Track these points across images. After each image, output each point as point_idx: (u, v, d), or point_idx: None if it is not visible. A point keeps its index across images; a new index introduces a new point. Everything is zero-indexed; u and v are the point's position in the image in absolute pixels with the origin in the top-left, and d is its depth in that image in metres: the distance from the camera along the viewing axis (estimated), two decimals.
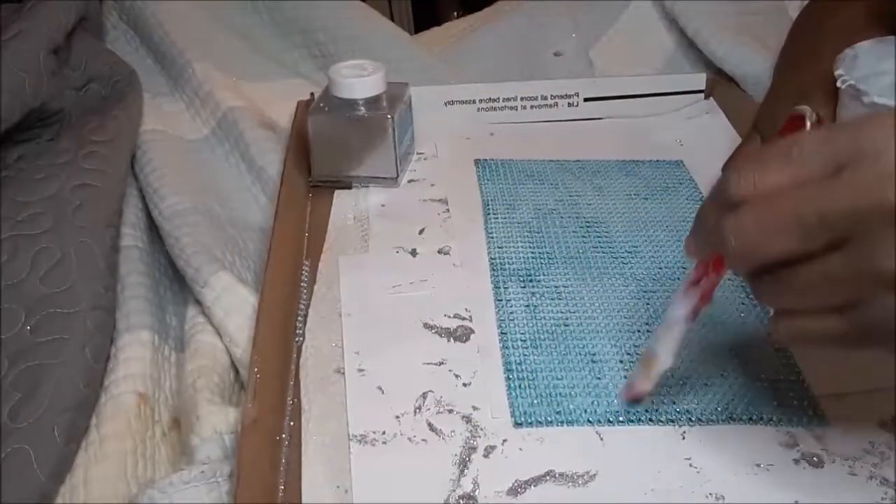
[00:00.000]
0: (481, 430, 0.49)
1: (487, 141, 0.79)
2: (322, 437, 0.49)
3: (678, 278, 0.60)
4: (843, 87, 0.56)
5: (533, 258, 0.62)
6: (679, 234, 0.64)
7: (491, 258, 0.62)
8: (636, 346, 0.54)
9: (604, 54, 0.91)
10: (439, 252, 0.64)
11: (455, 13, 1.40)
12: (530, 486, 0.46)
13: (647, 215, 0.67)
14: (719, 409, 0.50)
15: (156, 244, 0.67)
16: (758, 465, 0.46)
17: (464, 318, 0.57)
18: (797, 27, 0.75)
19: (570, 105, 0.81)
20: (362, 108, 0.69)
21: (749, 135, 0.66)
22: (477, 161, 0.75)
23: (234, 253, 0.65)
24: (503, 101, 0.81)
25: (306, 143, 0.71)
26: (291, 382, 0.53)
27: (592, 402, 0.50)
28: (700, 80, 0.81)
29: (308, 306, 0.59)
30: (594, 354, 0.54)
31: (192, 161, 0.75)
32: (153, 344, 0.58)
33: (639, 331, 0.55)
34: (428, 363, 0.54)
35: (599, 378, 0.52)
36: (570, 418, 0.49)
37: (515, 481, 0.46)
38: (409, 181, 0.72)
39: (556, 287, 0.59)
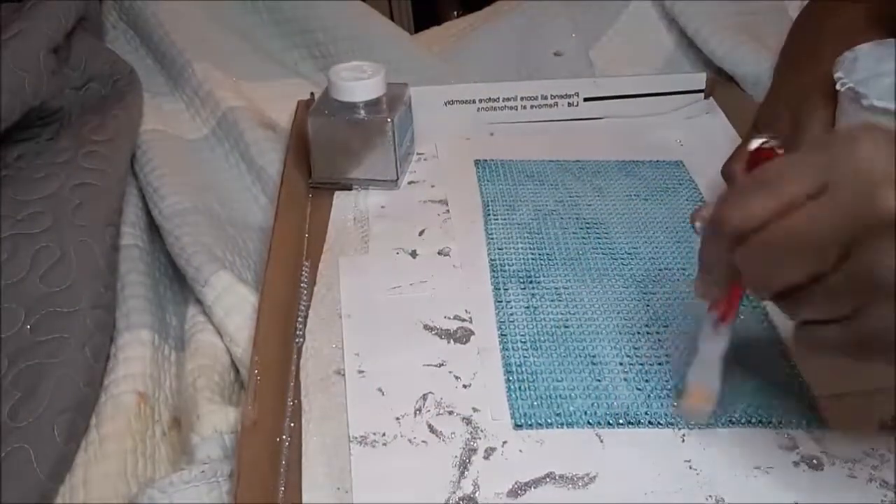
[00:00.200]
0: (481, 431, 0.49)
1: (487, 141, 0.79)
2: (322, 439, 0.49)
3: (678, 279, 0.60)
4: (843, 90, 0.56)
5: (533, 259, 0.62)
6: (679, 234, 0.64)
7: (491, 259, 0.62)
8: (636, 348, 0.54)
9: (604, 54, 0.91)
10: (439, 253, 0.64)
11: (455, 13, 1.40)
12: (530, 487, 0.46)
13: (646, 216, 0.67)
14: (719, 411, 0.50)
15: (156, 243, 0.67)
16: (757, 468, 0.46)
17: (464, 320, 0.57)
18: (797, 28, 0.75)
19: (569, 105, 0.81)
20: (362, 111, 0.69)
21: (748, 135, 0.66)
22: (477, 161, 0.75)
23: (234, 253, 0.65)
24: (503, 100, 0.81)
25: (306, 143, 0.71)
26: (292, 383, 0.53)
27: (592, 404, 0.50)
28: (700, 79, 0.81)
29: (308, 307, 0.59)
30: (594, 356, 0.54)
31: (192, 161, 0.75)
32: (153, 343, 0.58)
33: (639, 332, 0.55)
34: (428, 365, 0.54)
35: (599, 380, 0.52)
36: (570, 420, 0.49)
37: (515, 483, 0.46)
38: (409, 182, 0.72)
39: (556, 288, 0.59)
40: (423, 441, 0.49)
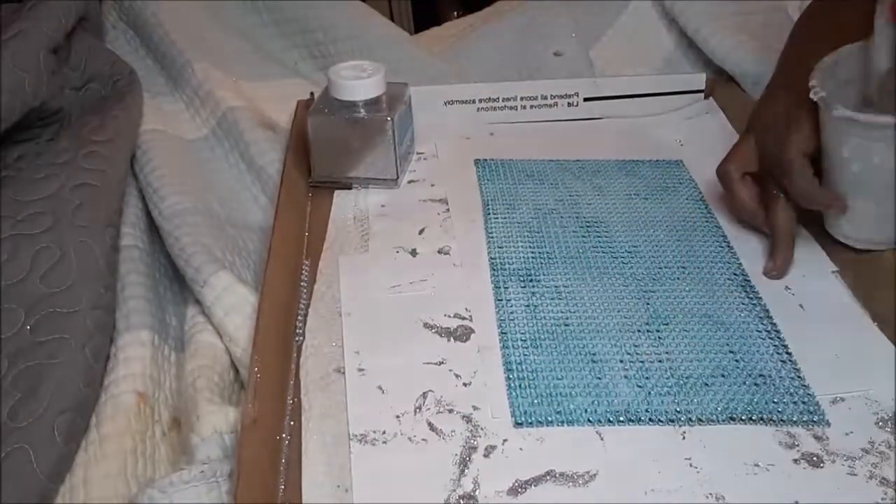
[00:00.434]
0: (482, 429, 0.49)
1: (487, 141, 0.79)
2: (322, 437, 0.49)
3: (678, 278, 0.60)
4: (815, 98, 0.56)
5: (533, 258, 0.62)
6: (679, 234, 0.64)
7: (491, 258, 0.62)
8: (636, 346, 0.54)
9: (604, 54, 0.91)
10: (439, 252, 0.64)
11: (455, 13, 1.40)
12: (531, 485, 0.46)
13: (646, 215, 0.67)
14: (719, 409, 0.50)
15: (156, 244, 0.67)
16: (757, 465, 0.46)
17: (464, 318, 0.57)
18: (797, 28, 0.74)
19: (569, 105, 0.81)
20: (362, 110, 0.69)
21: (744, 135, 0.66)
22: (477, 161, 0.75)
23: (234, 253, 0.65)
24: (503, 100, 0.81)
25: (306, 143, 0.71)
26: (291, 382, 0.53)
27: (593, 402, 0.50)
28: (700, 80, 0.81)
29: (308, 306, 0.59)
30: (594, 354, 0.54)
31: (192, 161, 0.75)
32: (153, 343, 0.58)
33: (639, 331, 0.55)
34: (428, 363, 0.54)
35: (600, 378, 0.52)
36: (570, 418, 0.49)
37: (516, 481, 0.46)
38: (409, 181, 0.72)
39: (556, 287, 0.59)
40: (424, 439, 0.48)
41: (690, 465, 0.47)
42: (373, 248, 0.64)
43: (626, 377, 0.52)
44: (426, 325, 0.56)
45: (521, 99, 0.81)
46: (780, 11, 0.89)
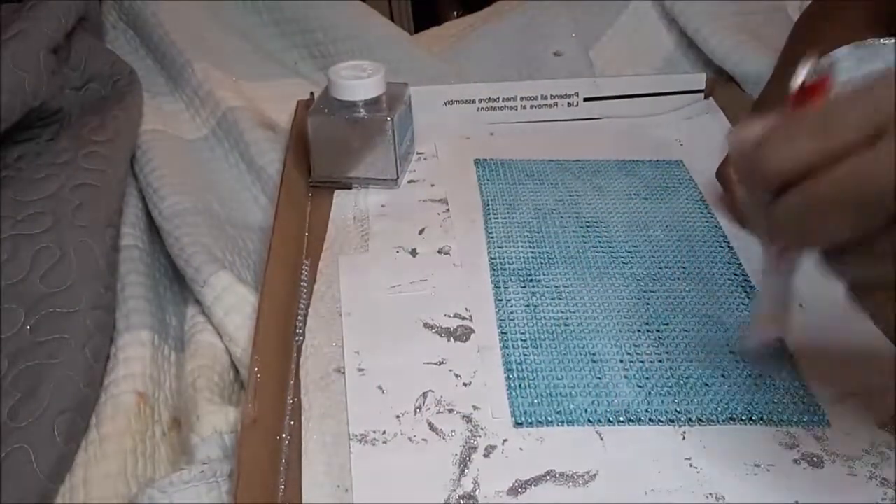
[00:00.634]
0: (482, 429, 0.49)
1: (487, 141, 0.79)
2: (322, 437, 0.49)
3: (678, 278, 0.60)
4: None
5: (533, 258, 0.62)
6: (679, 233, 0.64)
7: (491, 258, 0.62)
8: (636, 346, 0.54)
9: (604, 54, 0.91)
10: (439, 252, 0.64)
11: (455, 13, 1.40)
12: (531, 485, 0.46)
13: (647, 215, 0.67)
14: (719, 409, 0.50)
15: (156, 244, 0.67)
16: (758, 466, 0.46)
17: (464, 318, 0.57)
18: (796, 29, 0.75)
19: (569, 105, 0.81)
20: (362, 110, 0.69)
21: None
22: (477, 161, 0.75)
23: (234, 253, 0.65)
24: (503, 100, 0.81)
25: (306, 143, 0.71)
26: (291, 382, 0.53)
27: (593, 402, 0.50)
28: (700, 80, 0.81)
29: (308, 306, 0.59)
30: (594, 354, 0.54)
31: (192, 161, 0.75)
32: (153, 344, 0.58)
33: (639, 331, 0.55)
34: (428, 363, 0.54)
35: (600, 378, 0.52)
36: (570, 418, 0.49)
37: (516, 481, 0.46)
38: (409, 181, 0.72)
39: (556, 287, 0.59)
40: (424, 439, 0.48)
41: (690, 465, 0.47)
42: (373, 248, 0.64)
43: (626, 377, 0.52)
44: (426, 325, 0.56)
45: (521, 99, 0.81)
46: (780, 11, 0.90)
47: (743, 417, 0.49)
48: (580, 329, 0.56)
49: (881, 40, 0.58)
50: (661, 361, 0.53)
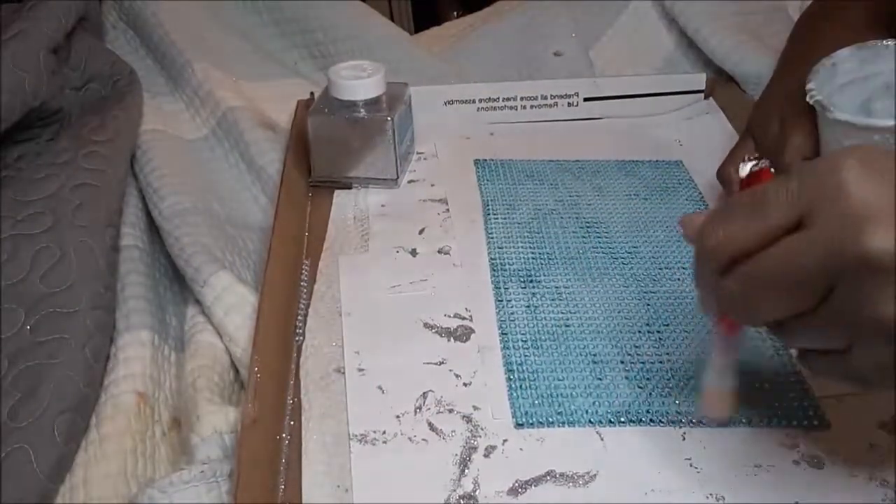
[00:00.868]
0: (482, 429, 0.49)
1: (487, 141, 0.79)
2: (322, 437, 0.49)
3: (678, 279, 0.60)
4: (811, 101, 0.56)
5: (533, 258, 0.62)
6: (679, 234, 0.64)
7: (491, 258, 0.62)
8: (637, 347, 0.54)
9: (604, 54, 0.91)
10: (439, 252, 0.64)
11: (455, 13, 1.40)
12: (531, 486, 0.46)
13: (646, 215, 0.67)
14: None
15: (156, 244, 0.67)
16: (758, 466, 0.46)
17: (464, 318, 0.57)
18: (797, 29, 0.74)
19: (570, 105, 0.81)
20: (362, 110, 0.69)
21: (743, 137, 0.66)
22: (477, 161, 0.75)
23: (234, 253, 0.65)
24: (503, 100, 0.81)
25: (306, 143, 0.71)
26: (291, 382, 0.53)
27: (593, 403, 0.50)
28: (700, 80, 0.81)
29: (308, 306, 0.59)
30: (595, 355, 0.54)
31: (192, 161, 0.75)
32: (153, 343, 0.58)
33: (639, 331, 0.55)
34: (428, 363, 0.54)
35: (600, 379, 0.52)
36: (570, 419, 0.49)
37: (516, 481, 0.46)
38: (409, 181, 0.72)
39: (556, 287, 0.59)
40: (424, 439, 0.48)
41: (691, 466, 0.47)
42: (373, 248, 0.64)
43: (626, 378, 0.52)
44: (426, 325, 0.56)
45: (521, 99, 0.81)
46: (780, 11, 0.89)
47: (743, 418, 0.49)
48: (581, 330, 0.56)
49: (883, 42, 0.58)
50: (661, 362, 0.53)
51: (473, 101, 0.81)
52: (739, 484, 0.45)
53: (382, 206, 0.69)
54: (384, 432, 0.49)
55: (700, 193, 0.69)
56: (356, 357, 0.54)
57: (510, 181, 0.72)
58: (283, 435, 0.50)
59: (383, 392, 0.52)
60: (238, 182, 0.75)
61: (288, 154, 0.72)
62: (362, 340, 0.55)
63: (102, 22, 0.88)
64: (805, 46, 0.68)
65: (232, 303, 0.59)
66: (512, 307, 0.58)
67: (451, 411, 0.50)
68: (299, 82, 0.87)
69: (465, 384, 0.52)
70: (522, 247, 0.64)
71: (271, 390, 0.51)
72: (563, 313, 0.57)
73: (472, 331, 0.56)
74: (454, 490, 0.45)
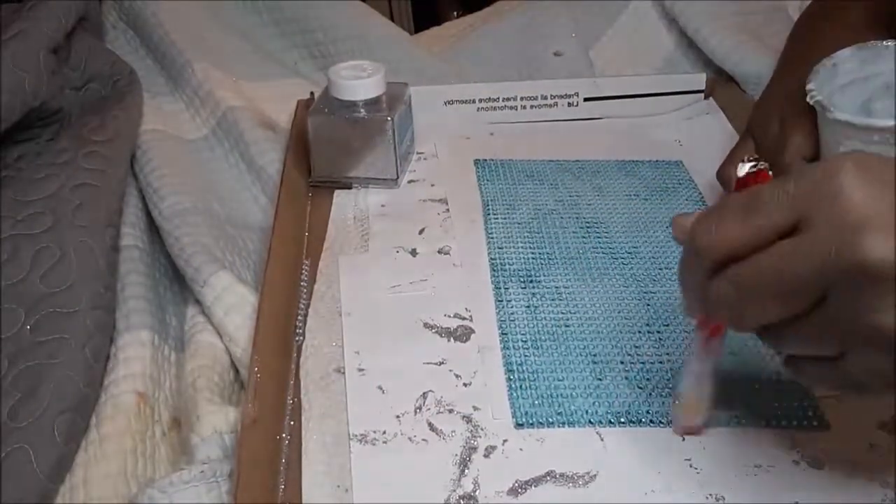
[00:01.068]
0: (482, 430, 0.49)
1: (487, 141, 0.79)
2: (322, 437, 0.49)
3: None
4: (811, 102, 0.56)
5: (533, 258, 0.62)
6: None
7: (491, 258, 0.62)
8: (637, 347, 0.54)
9: (604, 54, 0.91)
10: (439, 252, 0.64)
11: (455, 13, 1.40)
12: (531, 486, 0.46)
13: (646, 215, 0.67)
14: (719, 410, 0.49)
15: (156, 244, 0.67)
16: (758, 466, 0.46)
17: (464, 318, 0.57)
18: (797, 29, 0.74)
19: (570, 105, 0.81)
20: (362, 110, 0.69)
21: (743, 137, 0.66)
22: (477, 161, 0.75)
23: (234, 253, 0.65)
24: (503, 100, 0.81)
25: (306, 143, 0.71)
26: (291, 382, 0.53)
27: (593, 403, 0.50)
28: (700, 80, 0.81)
29: (308, 306, 0.59)
30: (595, 355, 0.54)
31: (192, 161, 0.75)
32: (153, 343, 0.58)
33: (639, 332, 0.55)
34: (428, 363, 0.54)
35: (600, 379, 0.52)
36: (570, 419, 0.49)
37: (516, 482, 0.46)
38: (409, 181, 0.72)
39: (556, 287, 0.59)
40: (424, 439, 0.48)
41: (691, 466, 0.47)
42: (373, 248, 0.64)
43: (626, 378, 0.52)
44: (426, 325, 0.56)
45: (521, 99, 0.81)
46: (780, 11, 0.89)
47: (743, 419, 0.49)
48: (581, 330, 0.56)
49: (884, 42, 0.58)
50: (661, 362, 0.53)
51: (473, 101, 0.81)
52: (739, 484, 0.45)
53: (382, 206, 0.69)
54: (384, 432, 0.49)
55: (700, 193, 0.69)
56: (356, 357, 0.54)
57: (510, 181, 0.72)
58: (283, 435, 0.50)
59: (383, 392, 0.52)
60: (238, 182, 0.75)
61: (288, 154, 0.72)
62: (362, 340, 0.55)
63: (102, 22, 0.88)
64: (805, 46, 0.68)
65: (232, 303, 0.59)
66: (512, 307, 0.58)
67: (451, 411, 0.50)
68: (299, 82, 0.87)
69: (465, 384, 0.52)
70: (522, 247, 0.64)
71: (271, 390, 0.51)
72: (563, 313, 0.57)
73: (472, 331, 0.56)
74: (454, 490, 0.45)
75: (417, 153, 0.76)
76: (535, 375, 0.52)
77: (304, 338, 0.56)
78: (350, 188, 0.71)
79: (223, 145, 0.77)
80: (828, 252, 0.33)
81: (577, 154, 0.76)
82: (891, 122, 0.53)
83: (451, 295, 0.59)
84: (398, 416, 0.50)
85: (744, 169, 0.45)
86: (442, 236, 0.65)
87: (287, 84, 0.86)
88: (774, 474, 0.46)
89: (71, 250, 0.59)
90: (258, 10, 0.92)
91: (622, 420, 0.49)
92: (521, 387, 0.51)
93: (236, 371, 0.57)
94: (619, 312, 0.57)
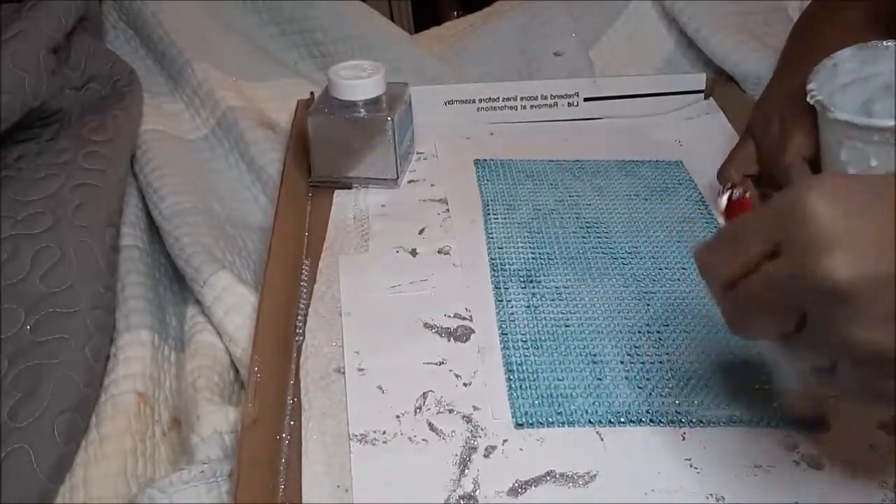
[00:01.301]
0: (482, 430, 0.49)
1: (487, 141, 0.79)
2: (322, 437, 0.49)
3: (678, 279, 0.60)
4: (812, 102, 0.56)
5: (533, 258, 0.62)
6: (679, 234, 0.64)
7: (491, 258, 0.62)
8: (637, 347, 0.54)
9: (604, 54, 0.91)
10: (439, 252, 0.64)
11: (455, 13, 1.40)
12: (531, 486, 0.46)
13: (646, 215, 0.67)
14: (720, 410, 0.49)
15: (156, 244, 0.67)
16: (758, 467, 0.46)
17: (464, 318, 0.57)
18: (797, 29, 0.75)
19: (570, 105, 0.81)
20: (362, 110, 0.69)
21: (743, 137, 0.66)
22: (477, 161, 0.75)
23: (234, 253, 0.65)
24: (503, 100, 0.81)
25: (306, 143, 0.71)
26: (291, 382, 0.53)
27: (593, 403, 0.50)
28: (700, 80, 0.81)
29: (308, 306, 0.59)
30: (595, 355, 0.54)
31: (191, 161, 0.75)
32: (153, 343, 0.58)
33: (639, 332, 0.55)
34: (428, 363, 0.54)
35: (600, 379, 0.52)
36: (570, 419, 0.49)
37: (516, 481, 0.46)
38: (409, 181, 0.72)
39: (556, 287, 0.59)
40: (424, 439, 0.48)
41: (691, 466, 0.47)
42: (373, 248, 0.64)
43: (626, 378, 0.52)
44: (426, 325, 0.56)
45: (521, 99, 0.81)
46: (780, 11, 0.89)
47: (743, 419, 0.49)
48: (581, 330, 0.56)
49: (884, 42, 0.58)
50: (661, 362, 0.53)
51: (473, 101, 0.81)
52: (739, 484, 0.45)
53: (382, 206, 0.69)
54: (384, 432, 0.49)
55: (700, 193, 0.69)
56: (356, 357, 0.54)
57: (510, 181, 0.72)
58: (283, 435, 0.50)
59: (383, 392, 0.52)
60: (238, 182, 0.75)
61: (288, 154, 0.72)
62: (362, 340, 0.55)
63: (102, 22, 0.88)
64: (805, 46, 0.68)
65: (232, 303, 0.59)
66: (512, 307, 0.58)
67: (451, 411, 0.50)
68: (299, 82, 0.87)
69: (465, 384, 0.52)
70: (522, 247, 0.64)
71: (271, 390, 0.51)
72: (563, 313, 0.57)
73: (472, 331, 0.56)
74: (454, 490, 0.45)
75: (417, 153, 0.76)
76: (535, 375, 0.52)
77: (304, 338, 0.56)
78: (350, 188, 0.71)
79: (223, 145, 0.77)
80: (797, 273, 0.34)
81: (577, 154, 0.76)
82: (891, 122, 0.53)
83: (451, 295, 0.59)
84: (398, 416, 0.50)
85: (723, 200, 0.50)
86: (442, 236, 0.65)
87: (287, 84, 0.86)
88: (774, 474, 0.46)
89: (71, 250, 0.59)
90: (258, 10, 0.92)
91: (622, 420, 0.49)
92: (520, 387, 0.51)
93: (236, 371, 0.57)
94: (619, 312, 0.57)
